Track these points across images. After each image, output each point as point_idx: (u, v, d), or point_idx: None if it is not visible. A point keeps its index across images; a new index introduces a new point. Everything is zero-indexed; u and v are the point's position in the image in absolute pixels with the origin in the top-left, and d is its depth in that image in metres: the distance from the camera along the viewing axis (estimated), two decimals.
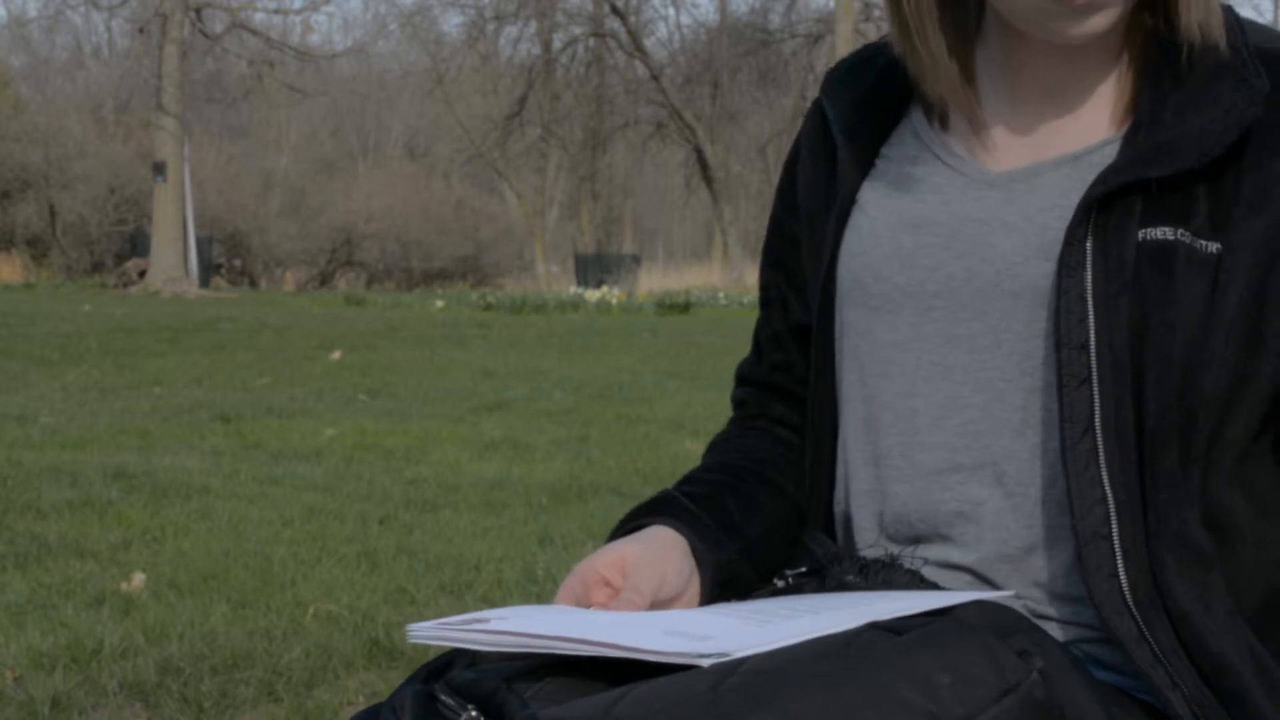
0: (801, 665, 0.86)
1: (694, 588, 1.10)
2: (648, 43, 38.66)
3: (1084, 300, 1.01)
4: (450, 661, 0.98)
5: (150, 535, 4.17)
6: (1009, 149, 1.12)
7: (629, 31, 37.52)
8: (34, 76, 41.79)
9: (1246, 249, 1.01)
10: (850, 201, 1.17)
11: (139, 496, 4.74)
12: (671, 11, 70.48)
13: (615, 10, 37.44)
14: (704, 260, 40.18)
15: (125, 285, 23.10)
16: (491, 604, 3.44)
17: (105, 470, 5.17)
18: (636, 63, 38.40)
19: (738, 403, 1.32)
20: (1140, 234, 1.01)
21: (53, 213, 31.32)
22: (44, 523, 4.28)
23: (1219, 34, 1.05)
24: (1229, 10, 1.08)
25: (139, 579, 3.57)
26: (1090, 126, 1.09)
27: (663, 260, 42.16)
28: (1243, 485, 1.05)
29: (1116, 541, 0.99)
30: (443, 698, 0.91)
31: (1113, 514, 1.00)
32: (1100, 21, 1.03)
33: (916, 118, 1.18)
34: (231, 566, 3.75)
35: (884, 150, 1.18)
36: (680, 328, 15.61)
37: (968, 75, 1.13)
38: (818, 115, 1.24)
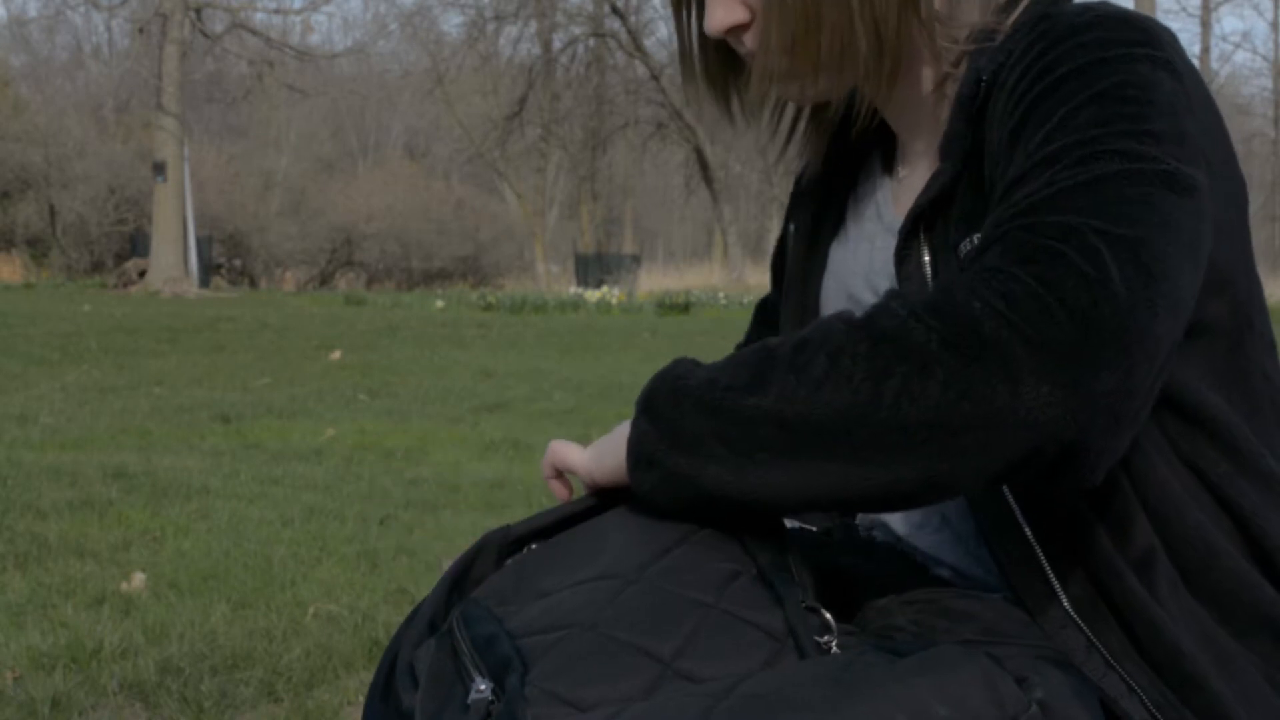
0: (797, 690, 0.86)
1: None
2: (648, 43, 38.64)
3: None
4: (469, 568, 1.05)
5: (150, 535, 4.17)
6: (909, 194, 1.14)
7: (629, 31, 37.50)
8: (34, 76, 41.79)
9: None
10: (822, 258, 1.23)
11: (139, 496, 4.74)
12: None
13: (615, 10, 37.43)
14: (704, 260, 40.16)
15: (125, 285, 23.10)
16: None
17: (105, 470, 5.17)
18: (636, 63, 38.39)
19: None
20: (957, 251, 1.02)
21: (53, 213, 31.31)
22: (44, 523, 4.27)
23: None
24: None
25: (139, 579, 3.57)
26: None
27: (663, 260, 42.16)
28: (1145, 453, 1.01)
29: (1044, 560, 0.99)
30: (462, 646, 0.94)
31: (1031, 537, 1.00)
32: (748, 56, 1.10)
33: (877, 160, 1.22)
34: (231, 566, 3.75)
35: (854, 193, 1.23)
36: (680, 328, 15.62)
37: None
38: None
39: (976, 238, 0.99)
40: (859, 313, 1.10)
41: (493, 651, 0.92)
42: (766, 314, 1.40)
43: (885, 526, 1.18)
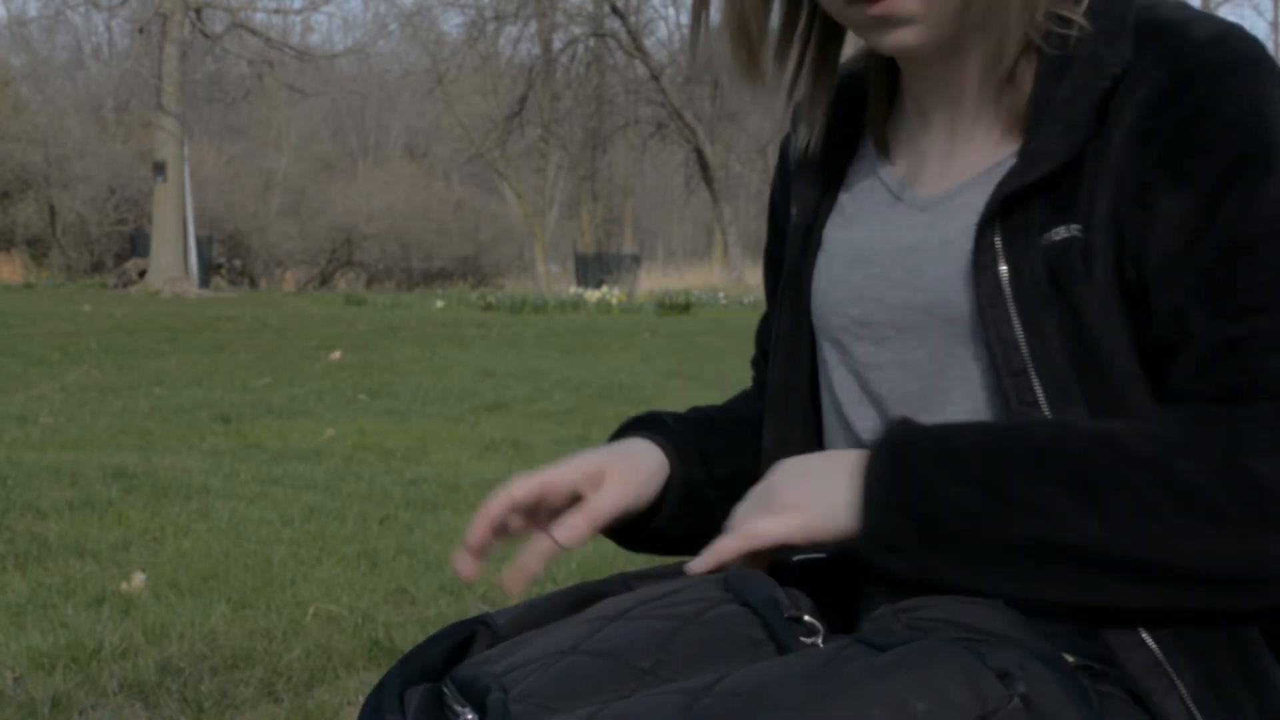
0: (776, 688, 0.86)
1: (653, 495, 1.18)
2: (648, 43, 38.65)
3: (1011, 325, 1.00)
4: (457, 651, 1.03)
5: (150, 535, 4.17)
6: (937, 172, 1.11)
7: (629, 31, 37.50)
8: (34, 76, 41.81)
9: (1110, 235, 1.00)
10: (816, 242, 1.19)
11: (139, 496, 4.74)
12: (671, 11, 70.37)
13: (615, 10, 37.43)
14: (704, 260, 40.20)
15: (125, 285, 23.10)
16: (491, 604, 3.44)
17: (105, 470, 5.17)
18: (636, 63, 38.39)
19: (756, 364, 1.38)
20: (1043, 240, 1.00)
21: (53, 213, 31.32)
22: (44, 523, 4.27)
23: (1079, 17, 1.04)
24: None
25: (139, 579, 3.57)
26: (998, 139, 1.08)
27: (663, 260, 42.19)
28: None
29: None
30: (449, 693, 0.94)
31: None
32: (908, 36, 1.02)
33: (869, 145, 1.19)
34: (231, 566, 3.75)
35: (845, 181, 1.19)
36: (680, 328, 15.62)
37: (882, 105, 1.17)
38: (788, 148, 1.26)
39: (1075, 229, 0.99)
40: (851, 294, 1.10)
41: (474, 686, 0.93)
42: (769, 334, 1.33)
43: None
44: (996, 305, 1.01)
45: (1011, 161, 1.04)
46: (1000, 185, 1.02)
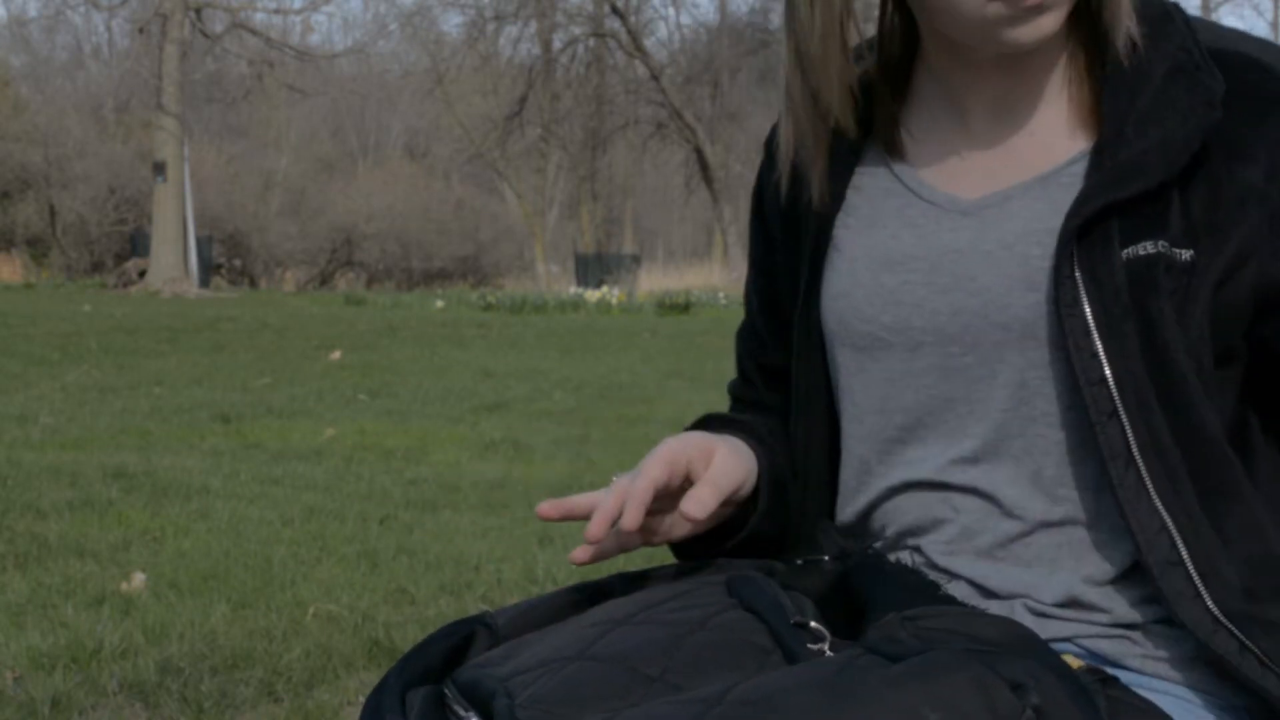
0: (788, 696, 0.86)
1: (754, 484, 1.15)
2: (648, 43, 38.66)
3: (1090, 335, 1.00)
4: (452, 657, 1.01)
5: (150, 535, 4.17)
6: (975, 175, 1.10)
7: (629, 31, 37.51)
8: (34, 76, 41.79)
9: (1221, 257, 1.00)
10: (826, 240, 1.16)
11: (139, 496, 4.74)
12: (671, 11, 70.52)
13: (615, 10, 37.44)
14: (704, 260, 40.19)
15: (125, 285, 23.09)
16: (491, 604, 3.44)
17: (105, 470, 5.17)
18: (636, 63, 38.40)
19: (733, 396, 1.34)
20: (1124, 254, 1.00)
21: (53, 213, 31.32)
22: (44, 523, 4.28)
23: (1138, 33, 1.04)
24: (1178, 9, 1.07)
25: (139, 579, 3.57)
26: (1051, 144, 1.07)
27: (663, 260, 42.17)
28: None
29: (1190, 566, 0.98)
30: (450, 695, 0.94)
31: (1178, 540, 0.99)
32: (1048, 23, 1.01)
33: (877, 150, 1.16)
34: (231, 566, 3.75)
35: (853, 182, 1.16)
36: (680, 328, 15.62)
37: (894, 105, 1.15)
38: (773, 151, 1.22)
39: (1161, 244, 0.99)
40: (883, 299, 1.10)
41: (478, 690, 0.92)
42: (758, 346, 1.30)
43: (920, 551, 1.12)
44: (1075, 315, 1.00)
45: (1075, 166, 1.04)
46: (1087, 197, 1.01)
